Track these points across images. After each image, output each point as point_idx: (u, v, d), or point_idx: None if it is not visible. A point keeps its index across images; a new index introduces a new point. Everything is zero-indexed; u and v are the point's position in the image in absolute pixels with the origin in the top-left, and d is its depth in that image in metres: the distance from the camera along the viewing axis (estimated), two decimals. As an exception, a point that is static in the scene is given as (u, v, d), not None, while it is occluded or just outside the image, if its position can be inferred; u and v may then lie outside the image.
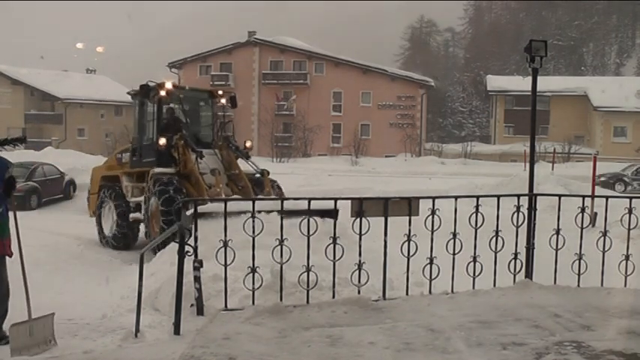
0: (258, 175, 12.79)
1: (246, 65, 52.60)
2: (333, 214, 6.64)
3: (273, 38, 53.98)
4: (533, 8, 80.00)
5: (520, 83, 48.26)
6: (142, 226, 13.55)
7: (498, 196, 7.01)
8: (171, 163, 12.46)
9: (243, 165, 13.18)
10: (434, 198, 6.64)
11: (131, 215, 13.36)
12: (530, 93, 7.73)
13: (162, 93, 12.82)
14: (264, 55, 52.99)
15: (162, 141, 12.38)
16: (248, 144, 13.78)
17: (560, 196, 7.27)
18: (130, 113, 60.27)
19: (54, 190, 22.41)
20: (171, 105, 13.52)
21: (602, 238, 6.87)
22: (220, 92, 14.40)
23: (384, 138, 50.01)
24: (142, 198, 12.68)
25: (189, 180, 12.08)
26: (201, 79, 51.02)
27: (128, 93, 14.52)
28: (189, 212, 8.87)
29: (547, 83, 45.03)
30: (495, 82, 55.10)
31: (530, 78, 7.71)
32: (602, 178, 28.90)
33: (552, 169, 26.41)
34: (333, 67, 52.33)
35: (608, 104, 48.51)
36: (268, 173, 12.70)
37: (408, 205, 6.81)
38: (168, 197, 11.32)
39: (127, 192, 13.48)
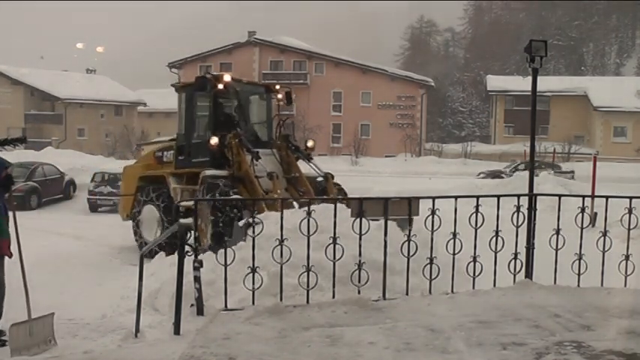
0: (320, 179, 11.67)
1: (246, 65, 52.61)
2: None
3: (273, 38, 54.02)
4: (533, 8, 79.99)
5: (520, 83, 48.25)
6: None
7: (498, 196, 7.01)
8: (224, 164, 11.31)
9: (302, 166, 12.09)
10: (434, 198, 6.64)
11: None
12: (530, 93, 7.73)
13: (220, 86, 11.68)
14: (264, 55, 53.04)
15: (215, 140, 11.21)
16: (310, 144, 12.58)
17: (560, 196, 7.28)
18: (130, 114, 60.85)
19: (54, 190, 22.43)
20: (223, 100, 12.25)
21: (602, 238, 6.86)
22: (277, 87, 13.18)
23: (384, 138, 50.03)
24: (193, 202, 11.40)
25: (244, 184, 10.88)
26: (201, 79, 50.99)
27: (173, 85, 13.34)
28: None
29: (547, 83, 45.05)
30: (495, 82, 55.13)
31: (530, 78, 7.71)
32: (482, 175, 31.72)
33: (552, 168, 26.41)
34: (333, 67, 52.37)
35: (608, 104, 48.53)
36: (332, 177, 11.59)
37: (408, 205, 6.82)
38: (220, 204, 9.92)
39: (176, 195, 12.00)
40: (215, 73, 11.95)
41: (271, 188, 10.67)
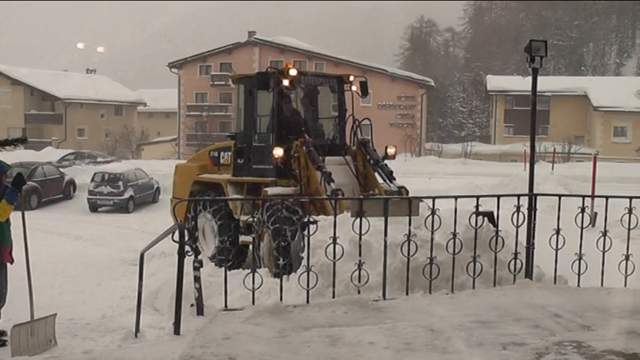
0: (392, 189, 9.93)
1: (246, 65, 52.51)
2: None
3: (273, 38, 53.99)
4: (533, 8, 79.96)
5: (520, 83, 48.23)
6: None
7: (498, 196, 7.02)
8: (291, 176, 9.75)
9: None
10: (434, 198, 6.64)
11: (241, 238, 10.38)
12: (530, 93, 7.73)
13: (286, 82, 10.02)
14: (264, 55, 52.96)
15: (279, 153, 9.53)
16: (391, 150, 10.59)
17: (560, 196, 7.28)
18: (130, 114, 60.87)
19: (54, 190, 22.43)
20: (288, 92, 10.65)
21: (602, 238, 6.87)
22: (352, 78, 11.26)
23: (384, 138, 49.79)
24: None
25: (314, 204, 8.88)
26: (201, 79, 51.03)
27: (231, 77, 11.73)
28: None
29: (547, 83, 44.99)
30: (495, 82, 55.07)
31: (530, 78, 7.72)
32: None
33: (552, 169, 26.40)
34: (333, 67, 52.23)
35: (608, 104, 48.48)
36: (407, 192, 9.85)
37: (408, 205, 6.82)
38: (283, 233, 8.12)
39: (235, 208, 10.42)
40: (279, 68, 10.31)
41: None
